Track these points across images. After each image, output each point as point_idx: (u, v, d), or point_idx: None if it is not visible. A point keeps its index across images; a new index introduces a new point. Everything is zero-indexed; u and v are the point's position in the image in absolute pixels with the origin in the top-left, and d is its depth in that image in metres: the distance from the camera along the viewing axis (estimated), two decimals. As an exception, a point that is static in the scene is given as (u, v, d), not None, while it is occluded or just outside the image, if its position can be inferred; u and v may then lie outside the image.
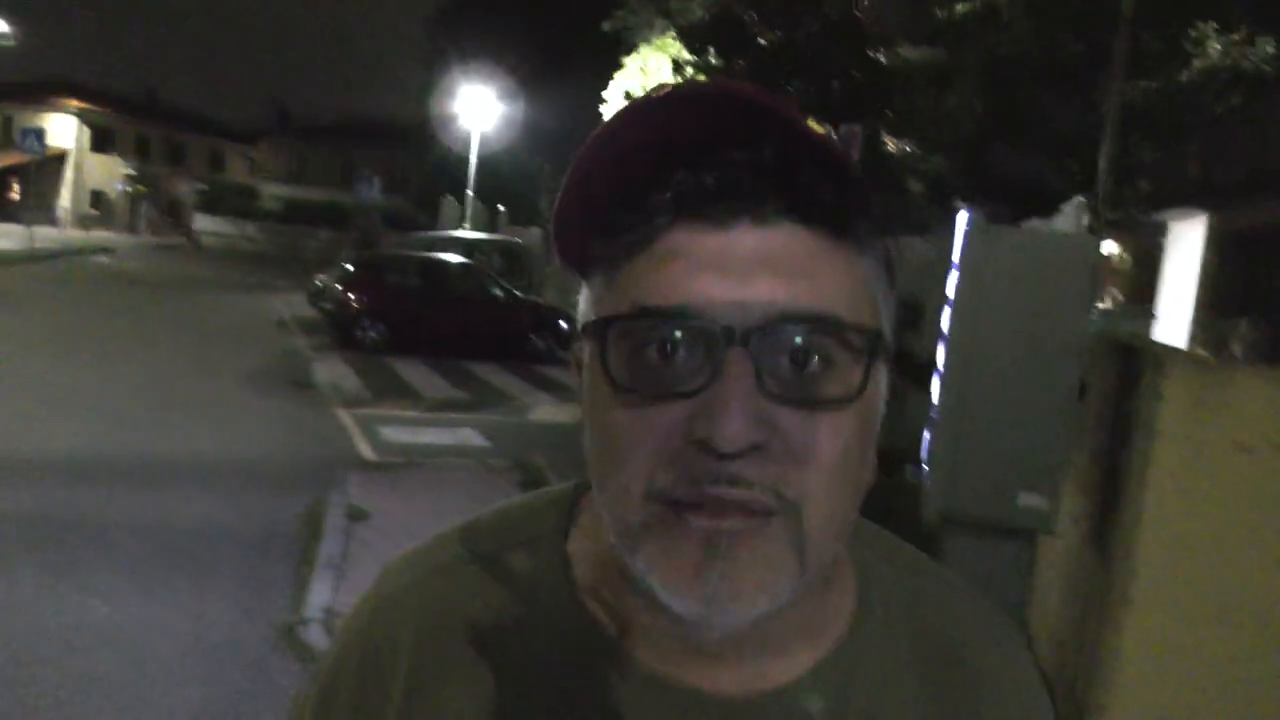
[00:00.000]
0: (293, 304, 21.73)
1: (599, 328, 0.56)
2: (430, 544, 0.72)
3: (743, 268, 0.53)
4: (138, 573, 4.82)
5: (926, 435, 3.99)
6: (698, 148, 0.54)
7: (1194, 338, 12.42)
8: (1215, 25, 18.97)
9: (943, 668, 0.68)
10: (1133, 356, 3.77)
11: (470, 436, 9.33)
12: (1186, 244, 14.98)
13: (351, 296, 15.04)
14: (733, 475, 0.52)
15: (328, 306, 16.17)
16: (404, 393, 11.61)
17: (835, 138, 0.55)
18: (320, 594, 4.68)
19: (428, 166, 38.47)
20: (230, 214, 52.37)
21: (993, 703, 0.68)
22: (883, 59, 22.52)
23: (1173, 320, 13.71)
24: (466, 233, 24.47)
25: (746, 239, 0.54)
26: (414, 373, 13.08)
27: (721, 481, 0.52)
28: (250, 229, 51.26)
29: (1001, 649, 0.71)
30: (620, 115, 0.55)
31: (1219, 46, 18.68)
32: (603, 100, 27.25)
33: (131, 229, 52.43)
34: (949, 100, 21.98)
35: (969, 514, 3.72)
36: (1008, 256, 3.62)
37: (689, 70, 23.70)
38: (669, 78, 25.01)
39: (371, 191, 30.58)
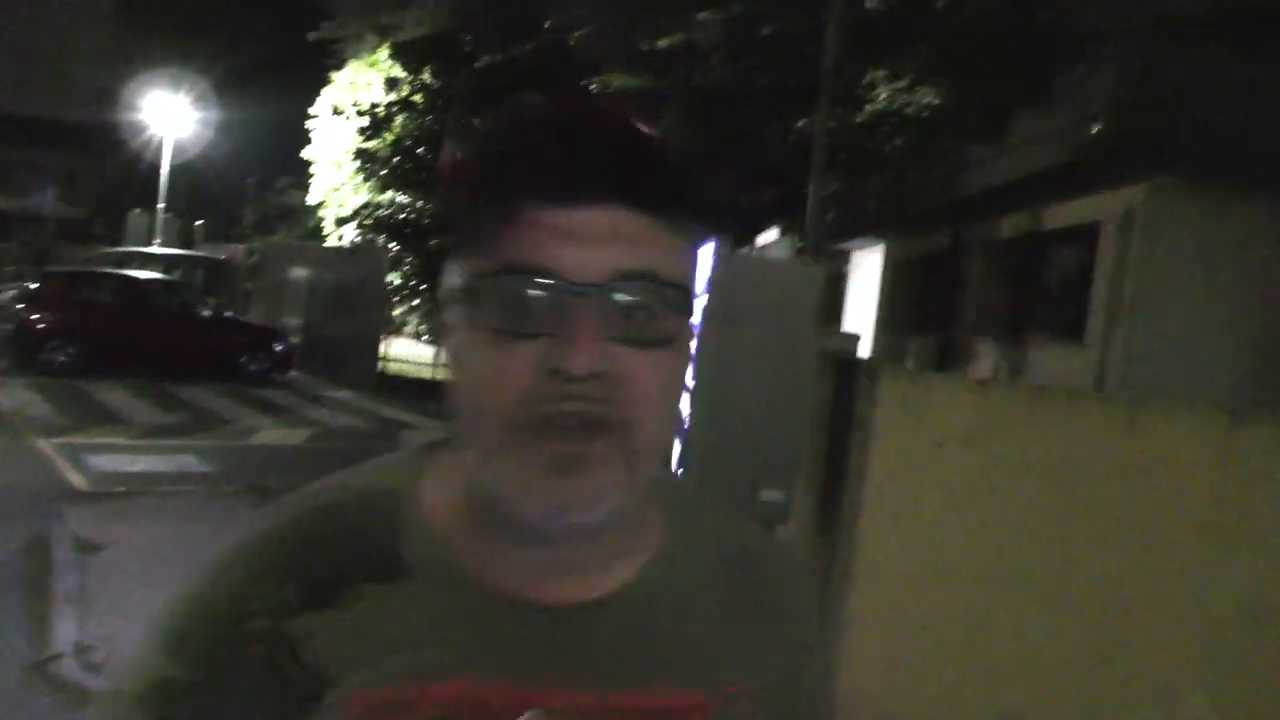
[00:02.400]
0: (-46, 324, 19.42)
1: (472, 284, 0.69)
2: (290, 498, 0.79)
3: (589, 238, 0.67)
4: None
5: (677, 443, 4.42)
6: (552, 145, 0.68)
7: (875, 351, 13.97)
8: (884, 72, 21.27)
9: (742, 581, 0.83)
10: (850, 368, 4.40)
11: (190, 463, 8.91)
12: (866, 269, 16.76)
13: (36, 316, 13.76)
14: (579, 394, 0.66)
15: (7, 326, 14.68)
16: (107, 419, 10.82)
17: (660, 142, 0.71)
18: (65, 629, 4.44)
19: (111, 174, 35.43)
20: None
21: (785, 613, 0.84)
22: (594, 86, 23.45)
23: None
24: (163, 249, 22.92)
25: (593, 216, 0.67)
26: (114, 397, 12.18)
27: (574, 399, 0.66)
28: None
29: (787, 565, 0.89)
30: (495, 119, 0.73)
31: (886, 93, 20.99)
32: (310, 115, 26.39)
33: None
34: (657, 127, 23.18)
35: (718, 509, 4.16)
36: (749, 280, 4.11)
37: (405, 89, 23.49)
38: (380, 95, 24.64)
39: (44, 200, 27.81)
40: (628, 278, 0.68)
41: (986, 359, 11.69)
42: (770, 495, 4.15)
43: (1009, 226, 11.75)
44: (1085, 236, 9.98)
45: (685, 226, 0.73)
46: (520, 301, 0.67)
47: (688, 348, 0.74)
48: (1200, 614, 3.86)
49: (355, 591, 0.73)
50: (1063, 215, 10.49)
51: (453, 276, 0.72)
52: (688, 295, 0.72)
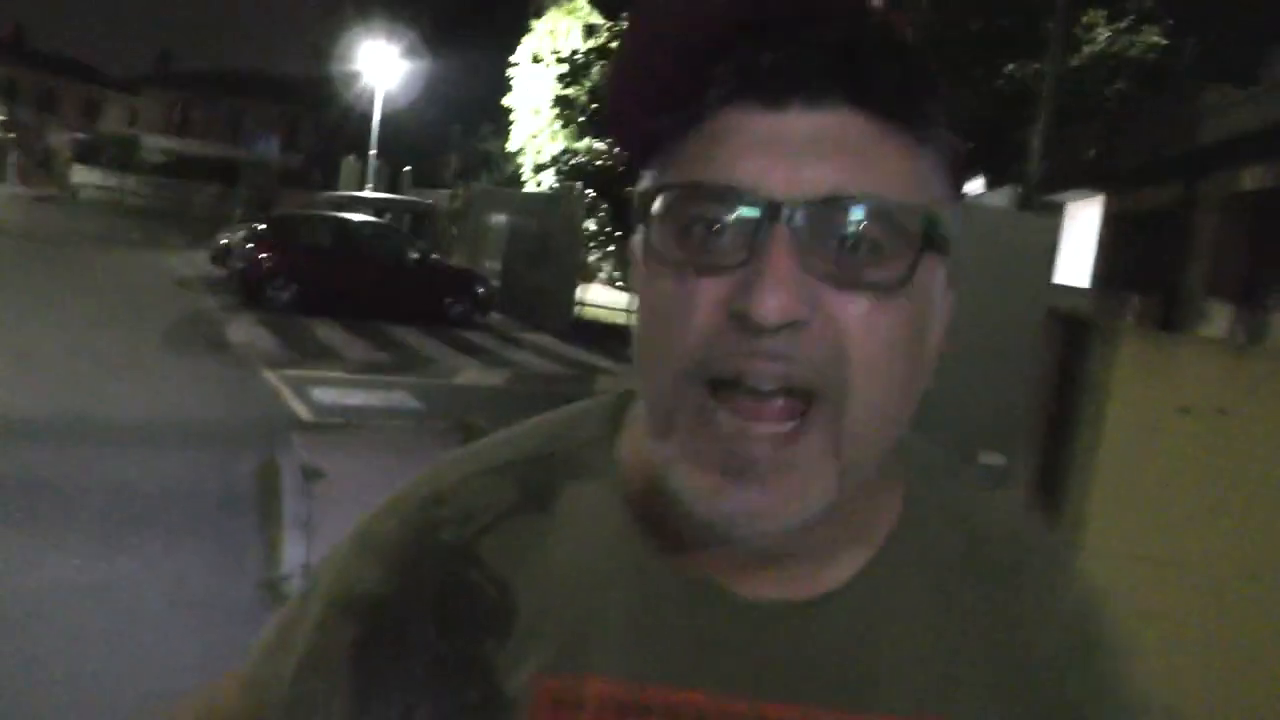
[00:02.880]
0: (191, 262, 21.07)
1: (646, 198, 0.56)
2: (475, 448, 0.71)
3: (793, 149, 0.53)
4: (106, 533, 4.79)
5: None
6: (754, 24, 0.53)
7: (1094, 309, 13.16)
8: (1104, 12, 19.85)
9: (992, 582, 0.65)
10: (1081, 327, 4.11)
11: (403, 399, 9.34)
12: (1082, 223, 15.77)
13: (263, 256, 14.74)
14: (772, 351, 0.51)
15: (238, 265, 15.80)
16: (325, 354, 11.50)
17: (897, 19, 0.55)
18: (295, 552, 4.73)
19: (326, 123, 37.51)
20: (110, 166, 50.09)
21: (1048, 624, 0.65)
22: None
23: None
24: (373, 193, 24.07)
25: (800, 121, 0.53)
26: (331, 334, 12.93)
27: (760, 356, 0.52)
28: (132, 182, 49.12)
29: (1054, 565, 0.68)
30: None
31: (1108, 34, 19.60)
32: (511, 64, 26.99)
33: None
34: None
35: (934, 471, 4.00)
36: (979, 231, 3.88)
37: (603, 35, 23.64)
38: (579, 43, 24.91)
39: (269, 148, 29.70)
40: (849, 200, 0.52)
41: (1219, 322, 10.81)
42: (991, 459, 3.96)
43: (1251, 178, 10.76)
44: (1345, 190, 9.01)
45: (932, 141, 0.56)
46: (705, 229, 0.53)
47: (935, 297, 0.58)
48: None
49: (538, 562, 0.63)
50: (1318, 166, 9.51)
51: (637, 195, 0.59)
52: (933, 224, 0.55)
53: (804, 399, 0.53)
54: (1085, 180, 15.34)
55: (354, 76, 31.17)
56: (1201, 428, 3.61)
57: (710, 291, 0.53)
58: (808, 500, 0.54)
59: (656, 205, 0.55)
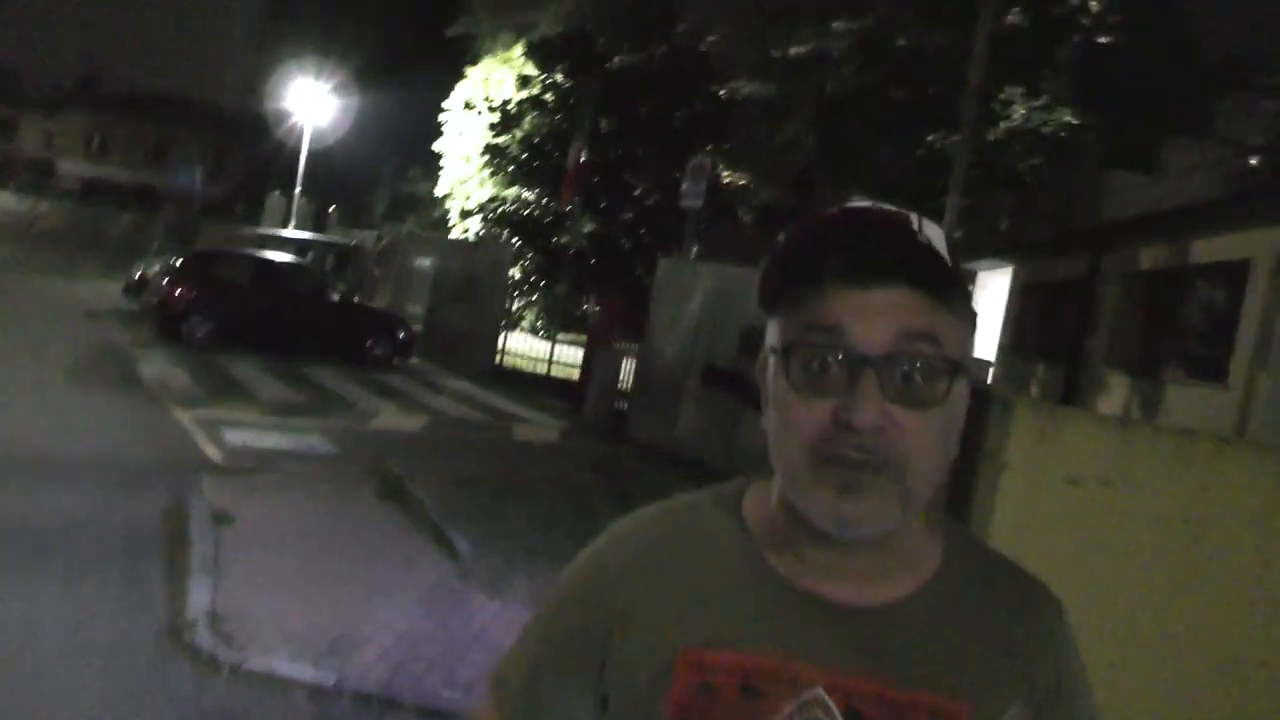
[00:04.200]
0: (103, 292, 20.56)
1: (786, 346, 0.87)
2: (647, 507, 1.03)
3: (875, 312, 0.84)
4: (5, 569, 4.66)
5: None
6: (852, 239, 0.86)
7: (998, 377, 13.58)
8: (1022, 90, 20.68)
9: (1005, 614, 0.95)
10: (982, 397, 4.29)
11: (317, 442, 9.20)
12: (992, 290, 16.32)
13: (181, 290, 14.46)
14: (861, 445, 0.83)
15: (153, 299, 15.44)
16: (239, 394, 11.29)
17: (930, 233, 0.87)
18: (200, 596, 4.65)
19: (255, 158, 37.04)
20: (23, 190, 48.59)
21: (1046, 652, 0.95)
22: (723, 92, 23.42)
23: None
24: (297, 231, 23.81)
25: (879, 295, 0.85)
26: (248, 373, 12.70)
27: (858, 447, 0.83)
28: (45, 207, 47.69)
29: (1050, 610, 0.98)
30: (808, 219, 0.90)
31: (1024, 110, 20.42)
32: (442, 109, 27.06)
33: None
34: (783, 134, 23.08)
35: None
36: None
37: (536, 87, 23.90)
38: (512, 92, 25.11)
39: (192, 178, 29.19)
40: (906, 351, 0.84)
41: (1118, 393, 11.25)
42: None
43: (1151, 257, 11.30)
44: (1233, 273, 9.52)
45: (957, 304, 0.88)
46: (820, 365, 0.85)
47: (959, 406, 0.89)
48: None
49: (694, 577, 0.93)
50: (1211, 250, 10.03)
51: (771, 334, 0.90)
52: (959, 364, 0.87)
53: (879, 467, 0.83)
54: (997, 250, 15.91)
55: (283, 111, 30.88)
56: (1088, 498, 3.79)
57: (824, 407, 0.84)
58: (883, 517, 0.85)
59: (791, 349, 0.86)
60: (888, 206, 0.88)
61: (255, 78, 32.50)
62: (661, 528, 0.99)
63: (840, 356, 0.84)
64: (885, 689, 0.88)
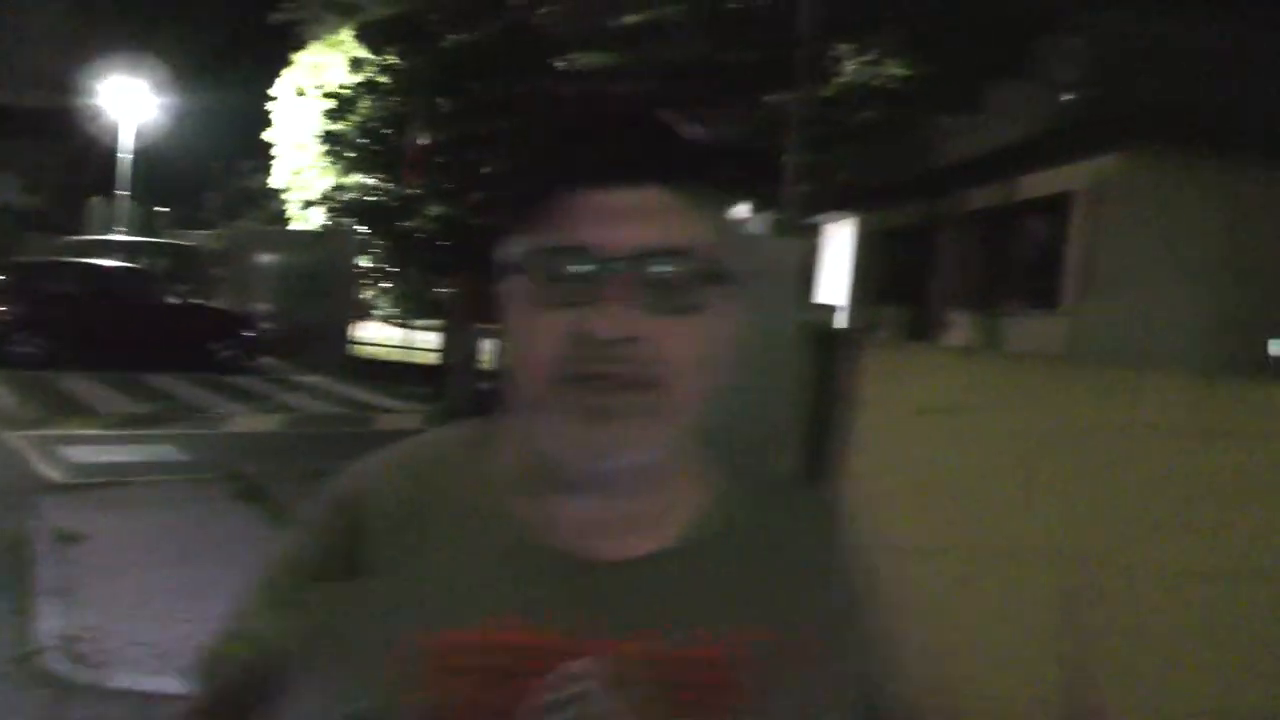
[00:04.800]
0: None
1: (519, 260, 0.78)
2: (380, 453, 0.90)
3: (620, 217, 0.75)
4: None
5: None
6: (588, 135, 0.79)
7: (850, 323, 14.01)
8: (851, 46, 21.27)
9: (786, 546, 0.86)
10: (831, 340, 4.41)
11: (166, 452, 8.82)
12: (838, 242, 16.80)
13: (1, 308, 13.54)
14: (609, 356, 0.73)
15: (-30, 319, 14.39)
16: (78, 410, 10.70)
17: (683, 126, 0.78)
18: (50, 622, 4.38)
19: (68, 161, 34.83)
20: None
21: (831, 566, 0.89)
22: (562, 65, 23.27)
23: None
24: (125, 236, 22.60)
25: (623, 197, 0.75)
26: (85, 388, 12.04)
27: (604, 360, 0.73)
28: None
29: (834, 532, 0.92)
30: (533, 118, 0.91)
31: (854, 66, 21.00)
32: (272, 98, 26.04)
33: None
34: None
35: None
36: (733, 254, 4.09)
37: (370, 70, 23.23)
38: (345, 76, 24.34)
39: (7, 191, 27.29)
40: (655, 253, 0.75)
41: (961, 329, 11.77)
42: (757, 469, 4.15)
43: (982, 198, 11.82)
44: (1059, 207, 10.05)
45: (712, 203, 0.79)
46: (560, 276, 0.75)
47: (725, 315, 0.80)
48: (1179, 577, 3.92)
49: (427, 541, 0.82)
50: (1036, 186, 10.56)
51: (505, 253, 0.80)
52: (718, 266, 0.77)
53: (632, 385, 0.74)
54: (839, 203, 16.38)
55: (100, 111, 29.15)
56: (937, 426, 3.95)
57: (564, 321, 0.74)
58: (641, 444, 0.76)
59: (530, 260, 0.77)
60: (624, 94, 0.80)
61: (66, 77, 30.51)
62: (399, 481, 0.85)
63: (582, 263, 0.75)
64: (659, 648, 0.78)
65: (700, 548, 0.83)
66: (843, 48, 21.18)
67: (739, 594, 0.83)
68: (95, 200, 27.45)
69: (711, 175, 0.79)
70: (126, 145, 27.56)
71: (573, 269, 0.75)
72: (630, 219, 0.75)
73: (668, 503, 0.83)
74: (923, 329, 12.52)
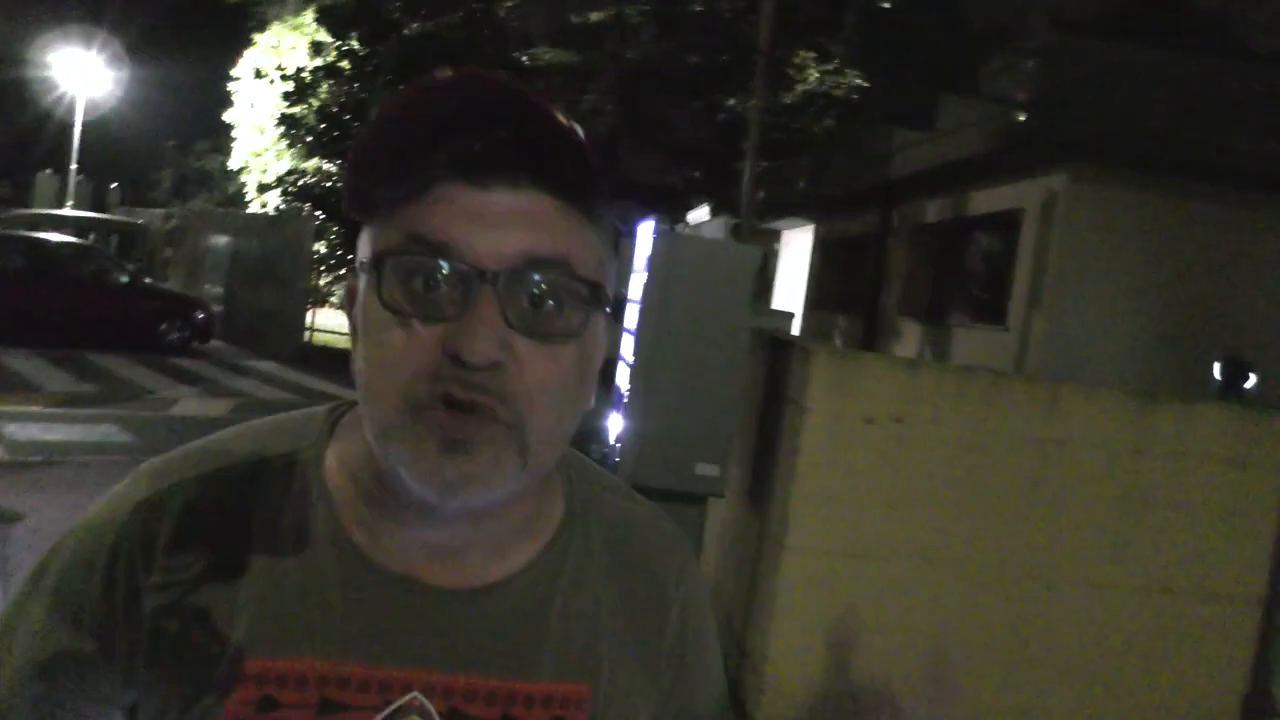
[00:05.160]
0: None
1: (378, 258, 0.67)
2: (184, 452, 0.78)
3: (497, 221, 0.65)
4: None
5: (617, 417, 4.48)
6: (468, 121, 0.66)
7: (804, 329, 14.17)
8: (814, 54, 21.46)
9: (632, 573, 0.82)
10: (782, 347, 4.50)
11: (111, 432, 8.69)
12: (796, 248, 16.96)
13: (-58, 281, 13.23)
14: (476, 383, 0.64)
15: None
16: (19, 387, 10.48)
17: (576, 127, 0.67)
18: (-13, 602, 4.35)
19: (20, 135, 34.08)
20: None
21: (673, 606, 0.84)
22: (525, 59, 23.19)
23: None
24: (74, 212, 22.17)
25: (502, 199, 0.66)
26: (26, 365, 11.80)
27: (471, 387, 0.64)
28: None
29: (679, 560, 0.87)
30: (409, 90, 0.67)
31: (816, 74, 21.21)
32: (232, 78, 25.72)
33: None
34: (584, 102, 23.13)
35: (654, 483, 4.21)
36: (688, 261, 4.16)
37: (331, 54, 22.99)
38: (305, 59, 24.09)
39: (-52, 159, 26.64)
40: (537, 265, 0.66)
41: (911, 340, 11.96)
42: (706, 470, 4.23)
43: (934, 211, 12.03)
44: (1008, 222, 10.26)
45: (601, 216, 0.71)
46: (424, 282, 0.66)
47: (596, 342, 0.73)
48: (1112, 586, 4.07)
49: (256, 561, 0.72)
50: (986, 201, 10.77)
51: (362, 247, 0.70)
52: (599, 289, 0.70)
53: (495, 418, 0.66)
54: (797, 209, 16.54)
55: (50, 83, 28.55)
56: (883, 434, 4.06)
57: (427, 336, 0.65)
58: (500, 481, 0.67)
59: (386, 262, 0.66)
60: (514, 80, 0.65)
61: (12, 45, 29.82)
62: (209, 483, 0.74)
63: (449, 270, 0.65)
64: (493, 681, 0.74)
65: (545, 575, 0.78)
66: (804, 55, 21.38)
67: (573, 628, 0.78)
68: (44, 175, 26.88)
69: (595, 178, 0.69)
70: (79, 119, 27.00)
71: (443, 277, 0.65)
72: (508, 224, 0.66)
73: (515, 529, 0.77)
74: (875, 337, 12.70)
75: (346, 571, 0.73)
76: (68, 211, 21.86)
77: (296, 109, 23.65)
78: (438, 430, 0.65)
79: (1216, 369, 6.70)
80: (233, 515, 0.73)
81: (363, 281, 0.69)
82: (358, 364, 0.70)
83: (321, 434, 0.78)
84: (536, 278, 0.66)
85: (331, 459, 0.77)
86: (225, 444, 0.78)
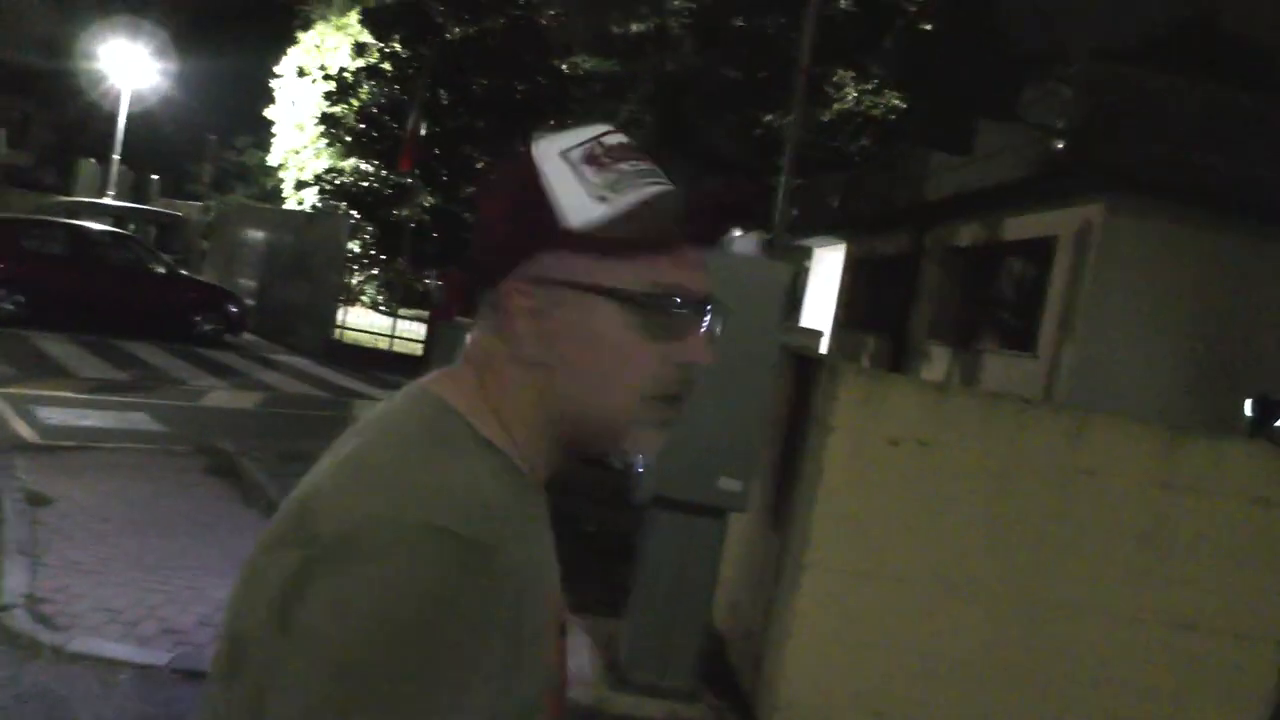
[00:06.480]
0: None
1: (636, 296, 0.86)
2: (444, 477, 0.81)
3: (700, 268, 0.90)
4: None
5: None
6: (714, 212, 0.94)
7: (833, 348, 14.14)
8: (853, 73, 21.45)
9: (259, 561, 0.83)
10: (810, 365, 4.50)
11: (140, 420, 8.81)
12: (827, 266, 16.93)
13: (-16, 263, 13.45)
14: (693, 380, 0.90)
15: (-49, 273, 14.29)
16: (55, 371, 10.65)
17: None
18: (16, 580, 4.41)
19: (63, 122, 34.56)
20: None
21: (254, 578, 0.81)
22: (564, 67, 23.37)
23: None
24: (115, 201, 22.47)
25: (702, 254, 0.92)
26: (62, 350, 11.98)
27: (688, 384, 0.90)
28: None
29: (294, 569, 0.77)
30: (687, 194, 0.95)
31: (855, 93, 21.22)
32: (274, 74, 25.99)
33: None
34: (622, 111, 23.23)
35: (675, 495, 4.22)
36: (719, 275, 4.16)
37: (373, 55, 23.24)
38: (347, 59, 24.34)
39: (-5, 144, 27.08)
40: (711, 297, 0.94)
41: (940, 363, 11.91)
42: (729, 484, 4.24)
43: (968, 235, 11.98)
44: (1041, 249, 10.20)
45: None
46: (672, 314, 0.88)
47: None
48: (1134, 619, 4.04)
49: (530, 533, 0.87)
50: (1020, 227, 10.71)
51: (602, 278, 0.86)
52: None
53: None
54: (830, 227, 16.51)
55: (97, 74, 28.92)
56: (908, 457, 4.05)
57: (668, 349, 0.88)
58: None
59: (646, 296, 0.87)
60: (738, 188, 0.94)
61: (61, 35, 30.21)
62: (492, 486, 0.83)
63: (686, 305, 0.89)
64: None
65: None
66: (844, 74, 21.39)
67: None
68: (88, 162, 27.24)
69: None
70: (123, 110, 27.34)
71: (684, 309, 0.89)
72: (702, 270, 0.91)
73: None
74: (902, 360, 12.65)
75: (545, 522, 0.93)
76: (108, 200, 22.16)
77: (337, 108, 23.90)
78: (661, 415, 0.89)
79: (1248, 406, 6.63)
80: (512, 503, 0.84)
81: (604, 305, 0.87)
82: (582, 359, 0.87)
83: (465, 424, 0.87)
84: (712, 303, 0.92)
85: (490, 437, 0.87)
86: (429, 450, 0.84)
